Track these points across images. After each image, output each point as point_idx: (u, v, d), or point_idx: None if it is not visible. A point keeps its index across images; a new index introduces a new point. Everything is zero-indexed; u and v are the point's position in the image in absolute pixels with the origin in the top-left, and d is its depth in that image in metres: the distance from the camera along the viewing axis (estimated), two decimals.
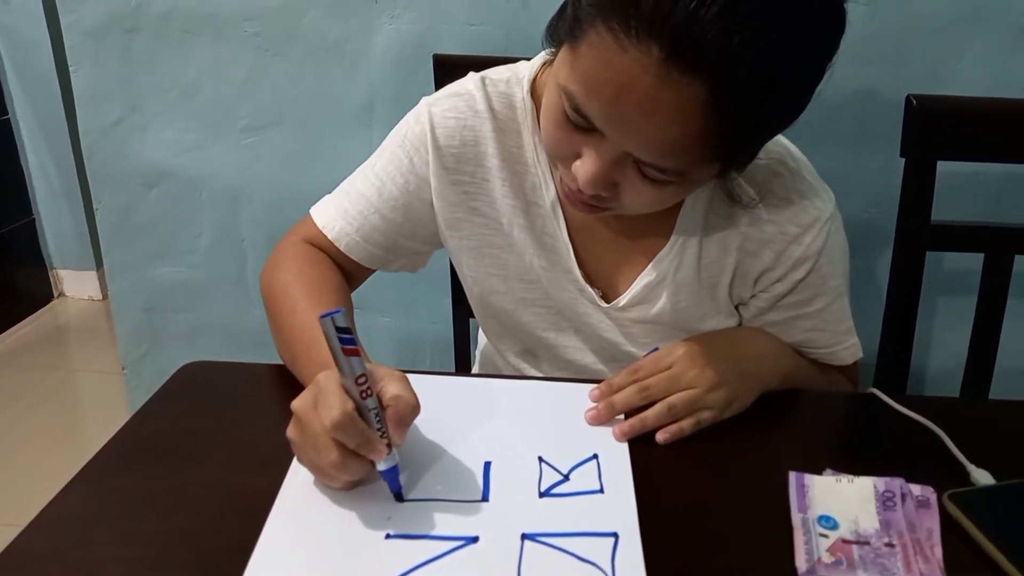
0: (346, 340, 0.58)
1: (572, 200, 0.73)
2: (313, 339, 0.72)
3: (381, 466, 0.61)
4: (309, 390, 0.62)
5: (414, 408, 0.62)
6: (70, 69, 1.41)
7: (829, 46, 0.62)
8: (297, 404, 0.62)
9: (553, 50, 0.69)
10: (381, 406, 0.61)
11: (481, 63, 0.88)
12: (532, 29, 0.71)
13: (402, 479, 0.63)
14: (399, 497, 0.63)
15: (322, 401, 0.59)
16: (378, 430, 0.60)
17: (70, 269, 2.74)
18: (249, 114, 1.42)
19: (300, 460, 0.64)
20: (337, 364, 0.59)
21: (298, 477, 0.65)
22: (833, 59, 0.63)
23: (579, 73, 0.62)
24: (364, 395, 0.59)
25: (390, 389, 0.61)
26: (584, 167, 0.67)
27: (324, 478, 0.63)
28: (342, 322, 0.58)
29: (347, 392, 0.59)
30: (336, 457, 0.59)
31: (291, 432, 0.63)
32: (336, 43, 1.34)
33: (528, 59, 0.85)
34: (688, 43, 0.56)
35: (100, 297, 2.74)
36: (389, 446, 0.61)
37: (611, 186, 0.69)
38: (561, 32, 0.66)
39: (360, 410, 0.59)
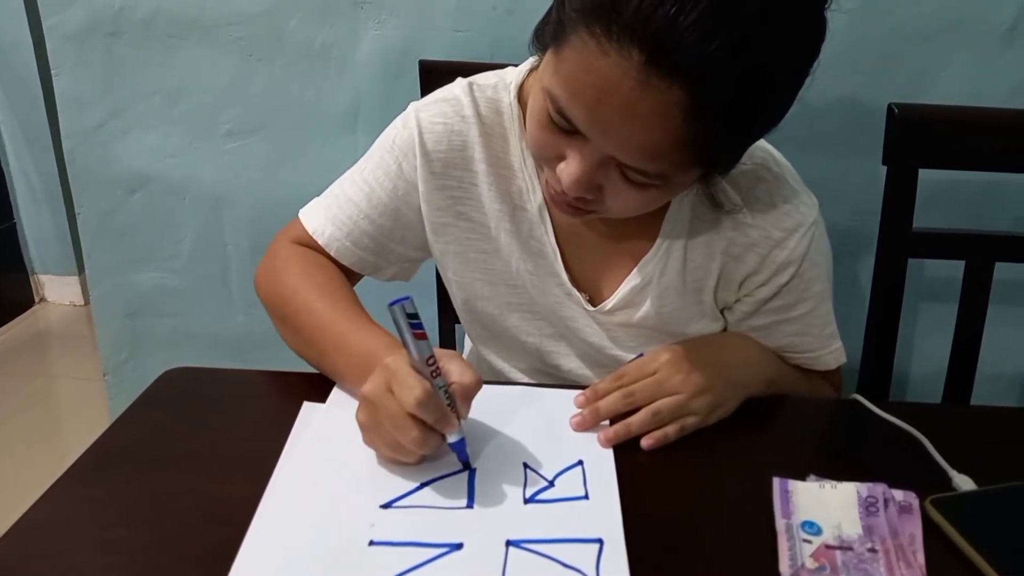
0: (416, 325, 0.62)
1: (557, 203, 0.74)
2: (340, 333, 0.76)
3: (452, 438, 0.65)
4: (378, 375, 0.65)
5: (478, 383, 0.66)
6: (52, 73, 1.40)
7: (810, 53, 0.63)
8: (369, 389, 0.65)
9: (539, 54, 0.69)
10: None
11: (467, 69, 0.89)
12: (518, 35, 0.71)
13: (392, 481, 0.66)
14: (467, 466, 0.67)
15: (399, 383, 0.63)
16: (448, 405, 0.65)
17: (51, 274, 2.72)
18: (233, 119, 1.41)
19: (371, 441, 0.67)
20: (407, 348, 0.63)
21: (281, 483, 0.65)
22: (815, 66, 0.63)
23: (562, 77, 0.63)
24: (435, 374, 0.64)
25: (453, 367, 0.66)
26: (568, 169, 0.68)
27: (401, 455, 0.66)
28: (411, 308, 0.62)
29: (419, 373, 0.63)
30: (417, 434, 0.63)
31: (362, 416, 0.67)
32: (321, 48, 1.34)
33: (515, 65, 0.85)
34: (667, 48, 0.56)
35: (82, 302, 2.71)
36: (458, 420, 0.65)
37: (595, 189, 0.69)
38: (546, 36, 0.66)
39: (432, 388, 0.63)
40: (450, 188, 0.85)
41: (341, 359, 0.76)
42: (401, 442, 0.64)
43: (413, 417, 0.62)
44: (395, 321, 0.62)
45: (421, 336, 0.63)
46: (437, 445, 0.65)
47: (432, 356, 0.63)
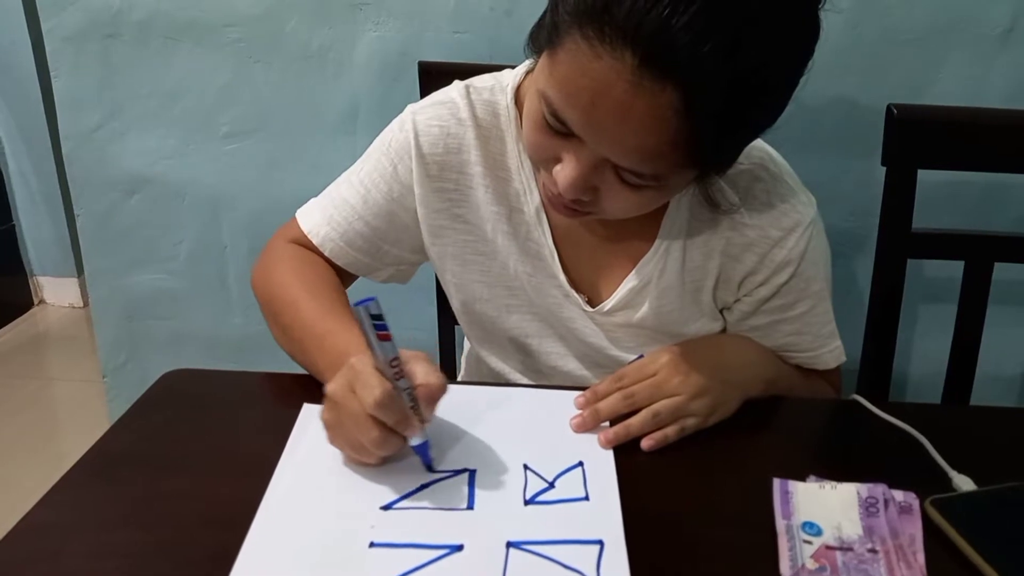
0: (380, 326, 0.62)
1: (554, 204, 0.74)
2: (323, 332, 0.76)
3: (414, 441, 0.65)
4: (343, 375, 0.65)
5: (442, 387, 0.65)
6: (51, 74, 1.40)
7: (804, 53, 0.63)
8: (333, 388, 0.65)
9: (535, 57, 0.69)
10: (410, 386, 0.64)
11: (465, 71, 0.89)
12: (516, 37, 0.71)
13: (392, 482, 0.66)
14: (430, 468, 0.67)
15: (361, 383, 0.62)
16: (410, 407, 0.64)
17: (50, 276, 2.71)
18: (231, 121, 1.41)
19: (335, 441, 0.67)
20: (371, 349, 0.62)
21: (281, 485, 0.65)
22: (809, 65, 0.63)
23: (557, 79, 0.63)
24: (397, 376, 0.63)
25: (418, 370, 0.65)
26: (564, 172, 0.68)
27: (362, 455, 0.66)
28: (375, 310, 0.61)
29: (382, 374, 0.62)
30: (377, 435, 0.62)
31: (326, 415, 0.66)
32: (319, 50, 1.34)
33: (512, 67, 0.85)
34: (660, 50, 0.56)
35: (81, 304, 2.71)
36: (421, 422, 0.65)
37: (591, 190, 0.69)
38: (541, 39, 0.66)
39: (394, 390, 0.63)
40: (447, 191, 0.85)
41: (321, 358, 0.75)
42: (361, 442, 0.64)
43: (373, 418, 0.62)
44: (359, 322, 0.62)
45: (385, 337, 0.62)
46: (398, 447, 0.65)
47: (396, 358, 0.63)
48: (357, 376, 0.63)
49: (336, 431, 0.66)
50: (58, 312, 2.71)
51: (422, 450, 0.66)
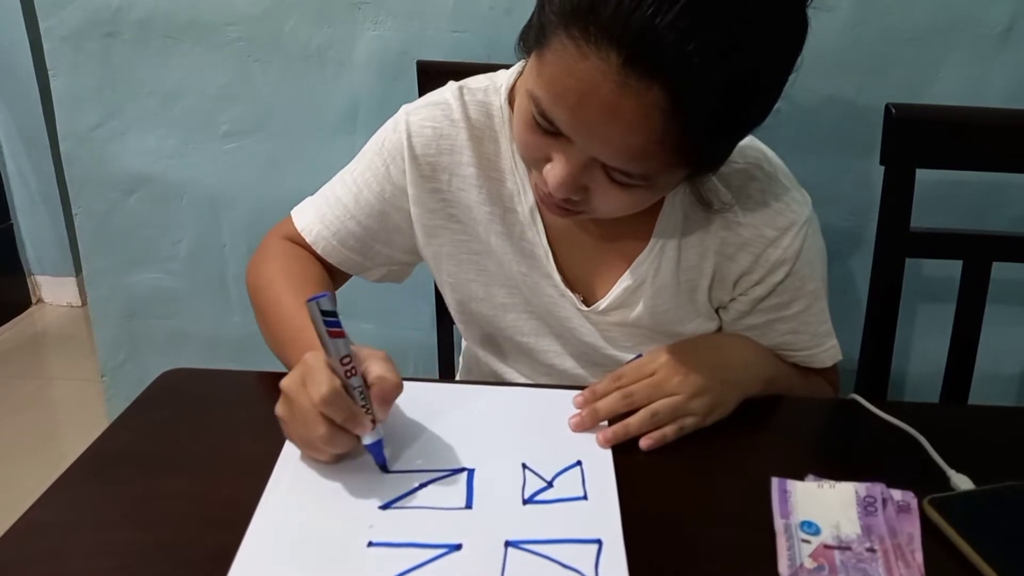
0: (331, 323, 0.61)
1: (546, 204, 0.74)
2: (299, 327, 0.76)
3: (366, 440, 0.65)
4: (297, 369, 0.65)
5: (397, 386, 0.65)
6: (49, 73, 1.39)
7: (792, 51, 0.63)
8: (286, 383, 0.65)
9: (525, 57, 0.69)
10: (365, 384, 0.64)
11: (464, 70, 0.89)
12: (515, 36, 0.71)
13: (391, 482, 0.66)
14: (384, 468, 0.67)
15: (310, 379, 0.62)
16: (363, 406, 0.64)
17: (48, 275, 2.71)
18: (230, 120, 1.41)
19: (289, 436, 0.67)
20: (323, 345, 0.63)
21: (279, 484, 0.65)
22: (798, 63, 0.63)
23: (544, 80, 0.63)
24: (349, 374, 0.63)
25: (374, 369, 0.65)
26: (554, 171, 0.68)
27: (313, 452, 0.66)
28: (327, 305, 0.61)
29: (333, 371, 0.62)
30: (324, 431, 0.62)
31: (280, 409, 0.66)
32: (319, 49, 1.34)
33: (510, 67, 0.85)
34: (645, 49, 0.57)
35: (79, 303, 2.71)
36: (374, 422, 0.64)
37: (581, 190, 0.69)
38: (529, 40, 0.66)
39: (346, 388, 0.63)
40: (440, 191, 0.85)
41: (294, 354, 0.74)
42: (309, 439, 0.64)
43: (322, 414, 0.62)
44: (312, 318, 0.61)
45: (337, 334, 0.62)
46: (349, 445, 0.65)
47: (348, 355, 0.63)
48: (308, 371, 0.63)
49: (288, 426, 0.66)
50: (56, 311, 2.71)
51: (374, 449, 0.66)
